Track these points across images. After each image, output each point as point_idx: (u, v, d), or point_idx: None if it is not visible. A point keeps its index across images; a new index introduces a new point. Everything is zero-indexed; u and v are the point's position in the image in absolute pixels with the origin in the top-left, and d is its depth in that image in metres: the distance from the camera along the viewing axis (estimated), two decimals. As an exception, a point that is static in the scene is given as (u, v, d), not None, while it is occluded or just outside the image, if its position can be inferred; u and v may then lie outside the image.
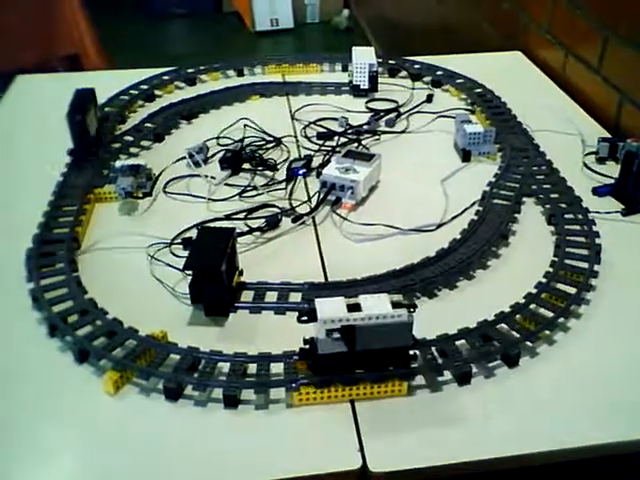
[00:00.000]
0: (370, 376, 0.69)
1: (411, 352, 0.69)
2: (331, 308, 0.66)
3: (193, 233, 0.89)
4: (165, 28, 3.90)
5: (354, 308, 0.66)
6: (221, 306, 0.79)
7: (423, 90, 1.32)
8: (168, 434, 0.66)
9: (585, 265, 0.84)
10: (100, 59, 2.23)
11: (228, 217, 0.95)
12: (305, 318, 0.66)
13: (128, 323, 0.75)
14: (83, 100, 1.08)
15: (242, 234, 0.91)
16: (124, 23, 3.66)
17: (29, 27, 2.10)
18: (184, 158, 1.08)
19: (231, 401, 0.68)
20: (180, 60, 1.46)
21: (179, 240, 0.89)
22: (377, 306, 0.66)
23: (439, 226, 0.94)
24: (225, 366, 0.71)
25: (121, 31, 3.37)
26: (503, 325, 0.76)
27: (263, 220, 0.94)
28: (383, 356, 0.68)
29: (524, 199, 1.00)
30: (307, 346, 0.69)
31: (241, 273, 0.84)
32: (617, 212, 0.97)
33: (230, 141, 1.13)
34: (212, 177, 1.05)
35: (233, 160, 1.07)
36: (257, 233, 0.92)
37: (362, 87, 1.30)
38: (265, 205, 0.98)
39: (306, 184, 1.04)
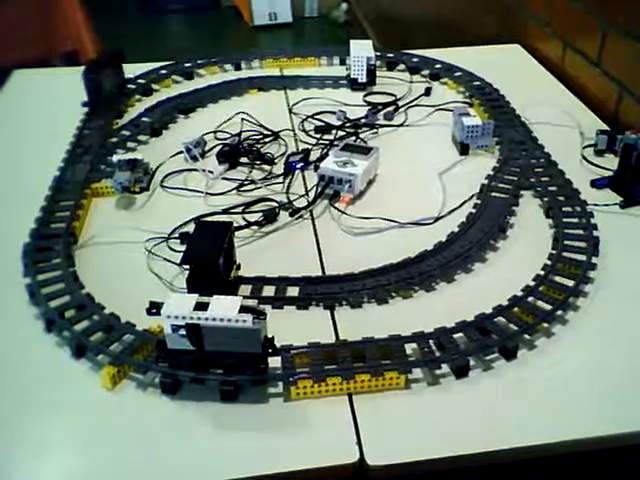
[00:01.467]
0: (367, 369, 0.69)
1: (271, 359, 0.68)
2: (178, 304, 0.65)
3: (190, 227, 0.89)
4: (163, 23, 3.89)
5: (201, 307, 0.65)
6: (218, 300, 0.79)
7: (421, 83, 1.32)
8: (165, 428, 0.66)
9: (583, 258, 0.84)
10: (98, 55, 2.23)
11: (226, 211, 0.95)
12: (154, 311, 0.65)
13: (125, 318, 0.75)
14: (100, 61, 1.21)
15: (240, 228, 0.91)
16: (123, 18, 3.66)
17: (28, 24, 2.10)
18: (181, 152, 1.08)
19: (229, 395, 0.68)
20: (178, 55, 1.46)
21: (176, 234, 0.89)
22: (224, 308, 0.64)
23: (437, 219, 0.94)
24: (222, 360, 0.70)
25: (120, 26, 3.36)
26: (501, 318, 0.76)
27: (261, 214, 0.94)
28: (235, 360, 0.67)
29: (522, 192, 0.99)
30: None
31: (239, 267, 0.83)
32: (615, 204, 0.96)
33: (227, 135, 1.13)
34: (210, 171, 1.04)
35: (230, 154, 1.06)
36: (255, 227, 0.92)
37: (360, 80, 1.30)
38: (263, 199, 0.98)
39: (304, 178, 1.04)
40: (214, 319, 0.64)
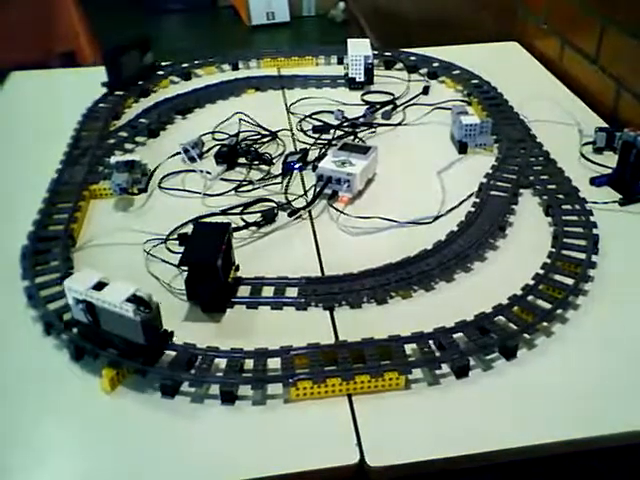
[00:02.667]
0: (367, 370, 0.68)
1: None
2: (81, 279, 0.69)
3: (189, 229, 0.89)
4: (161, 22, 3.89)
5: (98, 287, 0.68)
6: (217, 302, 0.79)
7: (419, 82, 1.32)
8: (165, 431, 0.66)
9: (583, 256, 0.84)
10: (95, 56, 2.22)
11: (224, 212, 0.95)
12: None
13: (124, 320, 0.75)
14: (123, 45, 1.26)
15: (238, 229, 0.90)
16: (120, 18, 3.65)
17: (26, 25, 2.10)
18: (179, 153, 1.08)
19: (228, 397, 0.68)
20: (176, 55, 1.46)
21: (175, 236, 0.89)
22: (114, 293, 0.67)
23: (436, 218, 0.94)
24: (222, 362, 0.70)
25: (117, 26, 3.35)
26: (501, 317, 0.76)
27: (259, 215, 0.94)
28: (125, 345, 0.69)
29: (521, 190, 0.99)
30: None
31: (237, 268, 0.83)
32: (615, 202, 0.96)
33: (225, 135, 1.13)
34: (208, 172, 1.04)
35: (228, 155, 1.06)
36: (253, 228, 0.92)
37: (358, 80, 1.30)
38: (261, 199, 0.98)
39: (302, 178, 1.04)
40: (101, 301, 0.67)
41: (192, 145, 1.08)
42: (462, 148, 1.09)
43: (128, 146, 1.12)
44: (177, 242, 0.88)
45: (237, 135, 1.12)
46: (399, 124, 1.19)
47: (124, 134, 1.14)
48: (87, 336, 0.71)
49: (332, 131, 1.14)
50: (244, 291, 0.81)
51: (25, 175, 1.05)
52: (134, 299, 0.66)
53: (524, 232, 0.92)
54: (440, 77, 1.34)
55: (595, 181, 1.00)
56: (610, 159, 1.04)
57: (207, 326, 0.77)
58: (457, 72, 1.33)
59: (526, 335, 0.74)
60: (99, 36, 2.28)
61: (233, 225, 0.86)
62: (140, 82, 1.29)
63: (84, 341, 0.71)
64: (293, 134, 1.15)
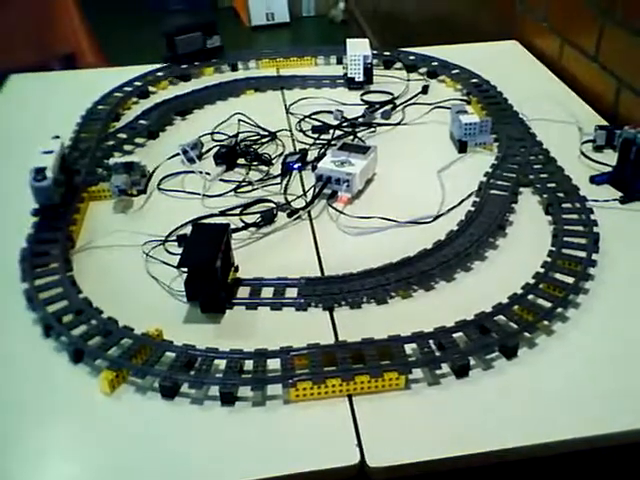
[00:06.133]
0: (367, 370, 0.68)
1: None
2: (52, 144, 0.91)
3: (188, 230, 0.89)
4: (162, 24, 3.89)
5: (46, 152, 0.89)
6: (217, 303, 0.79)
7: (418, 81, 1.32)
8: (165, 433, 0.65)
9: (583, 254, 0.83)
10: (96, 57, 2.22)
11: (223, 213, 0.95)
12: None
13: (123, 322, 0.75)
14: (184, 26, 1.40)
15: (237, 230, 0.90)
16: (121, 19, 3.66)
17: (24, 27, 2.10)
18: (178, 154, 1.07)
19: (228, 398, 0.68)
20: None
21: (174, 237, 0.89)
22: (41, 161, 0.88)
23: (436, 218, 0.94)
24: (221, 363, 0.70)
25: (118, 27, 3.36)
26: (501, 316, 0.75)
27: (258, 215, 0.93)
28: None
29: (521, 189, 0.99)
30: None
31: (237, 269, 0.83)
32: (615, 200, 0.96)
33: (224, 136, 1.12)
34: (207, 173, 1.04)
35: (228, 155, 1.06)
36: (252, 228, 0.92)
37: (357, 79, 1.29)
38: (260, 200, 0.97)
39: (301, 178, 1.04)
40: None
41: (191, 146, 1.07)
42: (462, 147, 1.09)
43: (127, 147, 1.12)
44: (176, 243, 0.87)
45: (236, 136, 1.12)
46: (398, 124, 1.18)
47: (123, 135, 1.14)
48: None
49: (331, 131, 1.14)
50: (243, 292, 0.81)
51: (24, 177, 1.05)
52: (40, 170, 0.86)
53: (524, 231, 0.91)
54: (439, 76, 1.34)
55: (595, 179, 1.00)
56: (610, 157, 1.04)
57: (207, 327, 0.77)
58: (456, 71, 1.33)
59: (526, 334, 0.74)
60: (102, 37, 2.28)
61: (232, 226, 0.86)
62: (198, 62, 1.38)
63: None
64: (292, 134, 1.15)
